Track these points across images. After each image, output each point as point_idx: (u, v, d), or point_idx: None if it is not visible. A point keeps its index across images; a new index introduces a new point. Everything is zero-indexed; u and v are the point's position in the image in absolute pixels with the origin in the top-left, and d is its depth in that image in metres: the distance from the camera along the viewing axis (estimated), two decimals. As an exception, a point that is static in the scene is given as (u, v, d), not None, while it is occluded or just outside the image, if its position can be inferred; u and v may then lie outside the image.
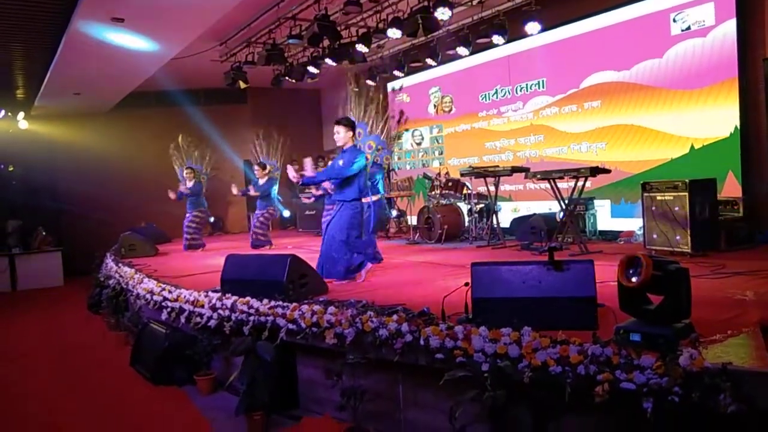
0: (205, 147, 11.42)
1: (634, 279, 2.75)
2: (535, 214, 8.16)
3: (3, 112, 11.68)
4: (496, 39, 8.05)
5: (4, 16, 7.33)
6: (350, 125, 5.60)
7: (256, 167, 9.55)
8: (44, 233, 11.72)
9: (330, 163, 5.75)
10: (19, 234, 11.48)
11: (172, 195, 9.54)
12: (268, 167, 9.59)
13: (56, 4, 7.00)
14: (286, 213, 11.33)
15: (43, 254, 11.49)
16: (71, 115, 12.44)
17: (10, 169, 12.51)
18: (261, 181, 9.33)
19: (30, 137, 12.22)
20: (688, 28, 7.03)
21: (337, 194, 5.64)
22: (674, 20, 7.16)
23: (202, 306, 4.72)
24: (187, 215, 9.75)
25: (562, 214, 6.87)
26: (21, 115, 11.91)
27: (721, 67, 6.72)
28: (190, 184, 9.79)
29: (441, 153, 11.11)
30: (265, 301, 4.23)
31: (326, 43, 8.28)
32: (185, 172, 10.07)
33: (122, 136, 12.45)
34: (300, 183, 5.96)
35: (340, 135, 5.51)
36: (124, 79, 10.46)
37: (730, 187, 6.65)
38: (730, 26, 6.62)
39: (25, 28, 7.92)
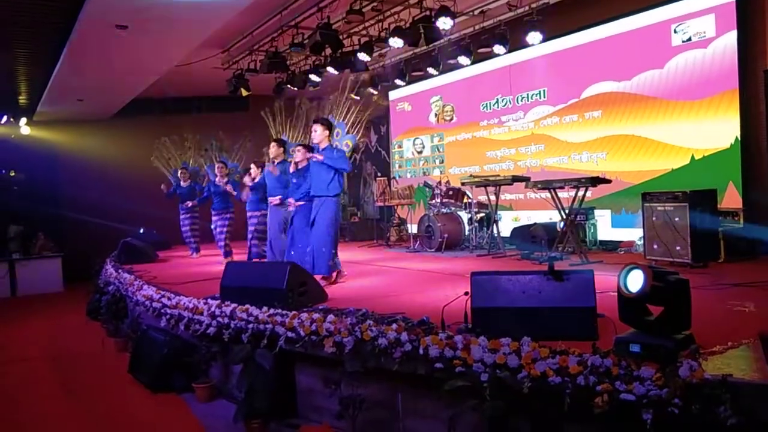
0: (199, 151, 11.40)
1: (634, 290, 2.75)
2: (535, 223, 8.16)
3: (5, 117, 11.72)
4: (498, 49, 8.09)
5: (9, 21, 7.37)
6: (327, 124, 6.00)
7: (218, 165, 8.87)
8: (44, 238, 11.73)
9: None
10: (20, 239, 11.49)
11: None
12: (229, 167, 9.14)
13: (60, 11, 7.04)
14: None
15: (43, 260, 11.48)
16: (73, 121, 12.46)
17: (12, 174, 12.53)
18: (218, 179, 8.65)
19: (32, 143, 12.24)
20: (689, 39, 7.06)
21: (320, 190, 5.86)
22: (675, 31, 7.19)
23: (201, 313, 4.71)
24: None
25: (562, 223, 6.87)
26: (23, 120, 11.95)
27: (722, 78, 6.74)
28: (185, 183, 9.88)
29: (442, 162, 11.13)
30: (265, 308, 4.22)
31: (328, 51, 8.31)
32: (179, 172, 10.08)
33: (124, 143, 12.46)
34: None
35: (317, 133, 5.88)
36: (127, 86, 10.49)
37: (731, 198, 6.65)
38: (731, 38, 6.65)
39: (28, 34, 7.96)
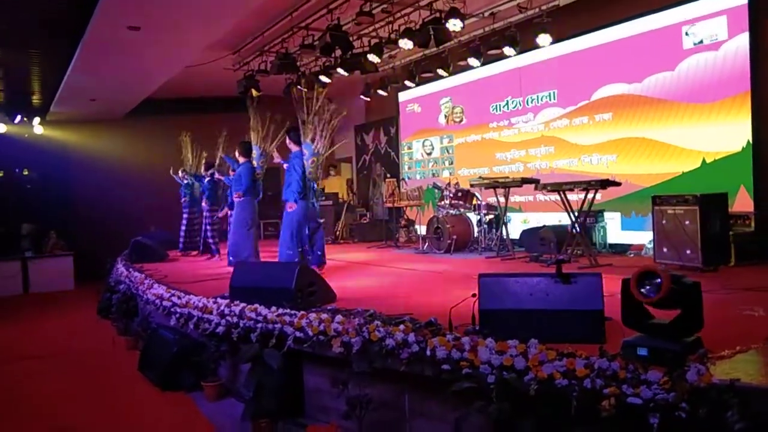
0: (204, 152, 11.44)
1: (651, 293, 2.71)
2: (544, 225, 8.13)
3: (19, 117, 11.85)
4: (508, 50, 8.08)
5: (22, 21, 7.46)
6: (290, 135, 7.04)
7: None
8: (57, 237, 11.85)
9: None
10: (33, 237, 11.62)
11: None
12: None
13: (73, 11, 7.11)
14: None
15: (55, 258, 11.62)
16: (86, 121, 12.60)
17: (25, 173, 12.67)
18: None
19: (45, 142, 12.38)
20: (701, 41, 7.01)
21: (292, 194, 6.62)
22: (686, 34, 7.15)
23: (211, 312, 4.75)
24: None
25: (572, 226, 6.84)
26: (36, 120, 12.08)
27: (734, 81, 6.69)
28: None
29: (451, 163, 11.12)
30: (273, 308, 4.25)
31: (338, 52, 8.34)
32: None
33: (136, 143, 12.58)
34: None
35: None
36: (139, 86, 10.58)
37: (742, 202, 6.60)
38: (743, 40, 6.60)
39: (42, 35, 8.04)
